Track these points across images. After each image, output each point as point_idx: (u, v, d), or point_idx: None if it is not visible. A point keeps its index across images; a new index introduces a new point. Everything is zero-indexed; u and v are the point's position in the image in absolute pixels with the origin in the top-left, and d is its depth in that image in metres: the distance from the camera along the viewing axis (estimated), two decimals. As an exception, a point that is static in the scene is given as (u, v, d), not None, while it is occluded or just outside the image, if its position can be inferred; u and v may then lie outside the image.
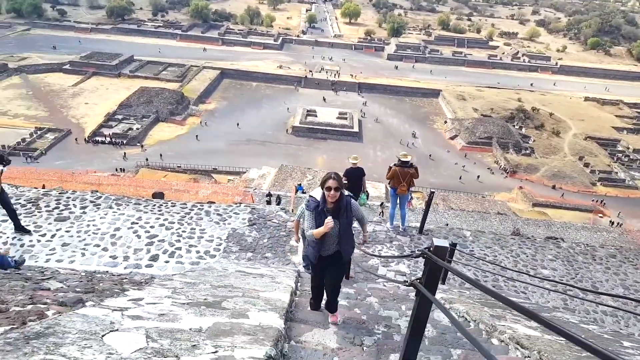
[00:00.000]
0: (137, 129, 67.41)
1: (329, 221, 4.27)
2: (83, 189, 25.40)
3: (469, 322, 4.87)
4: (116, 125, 68.19)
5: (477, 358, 3.65)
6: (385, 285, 7.39)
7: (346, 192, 4.57)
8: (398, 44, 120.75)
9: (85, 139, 63.65)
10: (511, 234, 12.47)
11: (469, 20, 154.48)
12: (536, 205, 53.81)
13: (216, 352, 2.47)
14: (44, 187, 14.02)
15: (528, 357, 3.57)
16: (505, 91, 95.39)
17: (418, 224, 11.45)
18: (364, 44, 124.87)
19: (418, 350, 2.73)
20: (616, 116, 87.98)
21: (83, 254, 8.24)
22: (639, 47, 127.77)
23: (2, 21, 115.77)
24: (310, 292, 5.10)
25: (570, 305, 8.39)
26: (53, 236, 8.63)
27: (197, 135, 68.50)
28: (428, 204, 10.83)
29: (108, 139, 64.36)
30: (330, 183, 4.33)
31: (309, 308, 5.00)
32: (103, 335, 2.52)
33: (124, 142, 63.97)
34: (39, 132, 63.20)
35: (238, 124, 72.08)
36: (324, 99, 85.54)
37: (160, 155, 60.62)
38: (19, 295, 4.47)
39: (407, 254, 8.18)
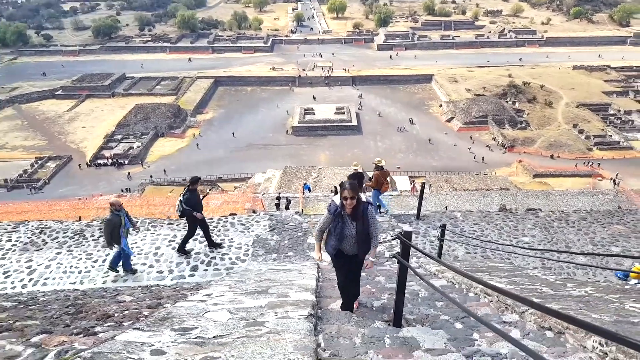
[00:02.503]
0: (138, 147, 67.73)
1: (318, 257, 5.17)
2: (97, 214, 26.73)
3: (454, 284, 6.30)
4: (116, 146, 68.54)
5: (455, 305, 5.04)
6: (391, 267, 8.80)
7: (364, 199, 4.96)
8: (387, 34, 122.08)
9: (87, 163, 63.82)
10: (498, 210, 13.90)
11: (454, 2, 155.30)
12: (537, 176, 55.24)
13: (277, 314, 3.88)
14: (80, 219, 15.40)
15: (491, 300, 4.99)
16: (496, 69, 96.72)
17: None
18: (353, 37, 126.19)
19: (404, 300, 4.16)
20: (604, 81, 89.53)
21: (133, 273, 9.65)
22: (620, 12, 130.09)
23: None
24: (337, 287, 5.45)
25: (547, 264, 9.81)
26: (104, 261, 10.07)
27: (197, 144, 69.80)
28: (421, 193, 12.24)
29: (110, 160, 64.45)
30: (346, 193, 4.73)
31: (339, 309, 5.23)
32: (203, 314, 3.93)
33: (126, 161, 64.19)
34: (39, 162, 63.06)
35: (233, 134, 72.33)
36: (314, 98, 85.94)
37: (164, 170, 61.02)
38: (111, 306, 5.87)
39: (390, 238, 9.69)
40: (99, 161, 64.73)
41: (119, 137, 71.27)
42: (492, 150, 66.45)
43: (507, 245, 9.81)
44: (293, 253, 10.48)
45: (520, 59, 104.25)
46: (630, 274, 8.73)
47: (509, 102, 79.33)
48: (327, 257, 5.27)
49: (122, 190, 53.74)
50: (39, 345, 3.25)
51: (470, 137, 70.35)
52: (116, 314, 5.19)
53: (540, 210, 13.37)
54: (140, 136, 71.20)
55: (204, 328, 3.42)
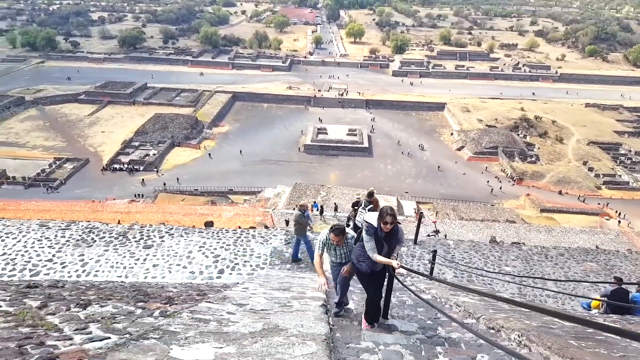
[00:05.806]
0: (154, 154, 69.63)
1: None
2: (114, 218, 28.67)
3: (436, 298, 7.87)
4: (133, 152, 70.64)
5: (431, 310, 6.61)
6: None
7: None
8: (402, 61, 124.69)
9: (104, 167, 65.83)
10: (489, 241, 15.46)
11: (470, 34, 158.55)
12: (544, 211, 55.60)
13: (299, 302, 5.50)
14: (119, 222, 17.15)
15: (459, 310, 6.57)
16: (508, 101, 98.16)
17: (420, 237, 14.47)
18: (369, 62, 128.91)
19: (390, 301, 5.78)
20: (617, 120, 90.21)
21: (170, 271, 11.37)
22: (635, 52, 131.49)
23: (18, 55, 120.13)
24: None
25: (523, 291, 11.36)
26: (145, 260, 11.80)
27: (209, 154, 72.27)
28: (419, 221, 13.83)
29: (126, 166, 66.31)
30: (388, 219, 5.23)
31: (363, 325, 5.55)
32: (248, 298, 5.56)
33: (141, 168, 66.07)
34: (57, 163, 65.04)
35: (241, 151, 73.19)
36: (320, 120, 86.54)
37: (177, 179, 62.80)
38: (167, 293, 7.47)
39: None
40: (115, 166, 66.56)
41: (136, 143, 73.44)
42: (500, 181, 66.82)
43: (480, 269, 11.40)
44: (304, 265, 12.16)
45: (533, 93, 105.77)
46: (592, 304, 10.22)
47: (520, 135, 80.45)
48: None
49: (135, 196, 54.95)
50: (144, 308, 4.88)
51: (485, 168, 71.02)
52: (176, 297, 6.78)
53: (524, 244, 14.93)
54: (157, 144, 73.21)
55: (253, 305, 5.04)
